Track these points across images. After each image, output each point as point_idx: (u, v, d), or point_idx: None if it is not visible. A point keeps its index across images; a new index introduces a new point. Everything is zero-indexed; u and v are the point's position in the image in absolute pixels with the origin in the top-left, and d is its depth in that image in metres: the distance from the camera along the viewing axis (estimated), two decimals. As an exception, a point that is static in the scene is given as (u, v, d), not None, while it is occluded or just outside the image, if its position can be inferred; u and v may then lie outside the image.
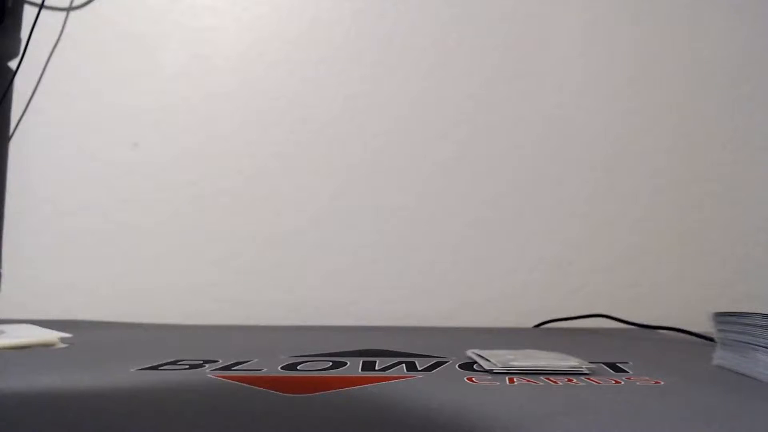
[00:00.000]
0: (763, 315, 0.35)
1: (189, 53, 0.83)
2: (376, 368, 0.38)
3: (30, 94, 0.81)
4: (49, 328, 0.54)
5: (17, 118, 0.81)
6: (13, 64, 0.79)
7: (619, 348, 0.52)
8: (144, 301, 0.78)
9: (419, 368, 0.38)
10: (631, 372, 0.38)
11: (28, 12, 0.81)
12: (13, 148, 0.81)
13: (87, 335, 0.54)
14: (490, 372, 0.37)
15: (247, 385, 0.32)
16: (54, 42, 0.82)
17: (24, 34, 0.81)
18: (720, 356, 0.40)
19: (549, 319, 0.75)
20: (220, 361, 0.40)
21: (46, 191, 0.80)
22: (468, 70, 0.84)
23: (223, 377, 0.34)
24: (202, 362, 0.40)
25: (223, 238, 0.81)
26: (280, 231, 0.81)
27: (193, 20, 0.83)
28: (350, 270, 0.81)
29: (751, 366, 0.36)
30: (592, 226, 0.83)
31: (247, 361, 0.40)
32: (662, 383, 0.34)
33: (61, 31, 0.82)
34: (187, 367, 0.38)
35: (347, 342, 0.52)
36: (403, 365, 0.39)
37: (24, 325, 0.57)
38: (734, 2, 0.86)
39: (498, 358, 0.39)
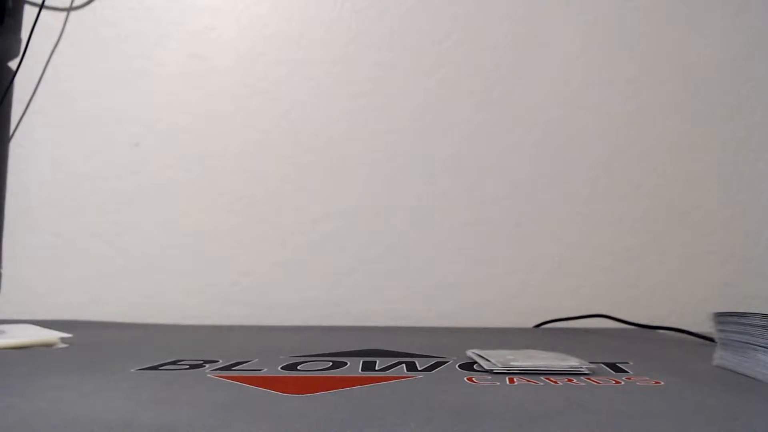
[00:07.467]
0: (763, 315, 0.35)
1: (189, 53, 0.83)
2: (376, 368, 0.38)
3: (30, 94, 0.81)
4: (49, 328, 0.54)
5: (17, 118, 0.81)
6: (13, 64, 0.79)
7: (619, 348, 0.52)
8: (144, 301, 0.78)
9: (419, 368, 0.38)
10: (631, 372, 0.38)
11: (28, 12, 0.81)
12: (13, 148, 0.81)
13: (87, 335, 0.54)
14: (490, 372, 0.37)
15: (247, 385, 0.32)
16: (54, 42, 0.82)
17: (24, 34, 0.81)
18: (720, 356, 0.40)
19: (549, 319, 0.75)
20: (220, 361, 0.40)
21: (46, 191, 0.80)
22: (468, 70, 0.84)
23: (223, 377, 0.34)
24: (202, 362, 0.40)
25: (223, 238, 0.81)
26: (280, 231, 0.81)
27: (193, 20, 0.83)
28: (350, 270, 0.81)
29: (751, 366, 0.36)
30: (591, 226, 0.83)
31: (247, 361, 0.40)
32: (662, 383, 0.34)
33: (61, 31, 0.82)
34: (187, 367, 0.38)
35: (347, 342, 0.52)
36: (403, 365, 0.39)
37: (24, 325, 0.57)
38: (734, 2, 0.86)
39: (498, 358, 0.39)
